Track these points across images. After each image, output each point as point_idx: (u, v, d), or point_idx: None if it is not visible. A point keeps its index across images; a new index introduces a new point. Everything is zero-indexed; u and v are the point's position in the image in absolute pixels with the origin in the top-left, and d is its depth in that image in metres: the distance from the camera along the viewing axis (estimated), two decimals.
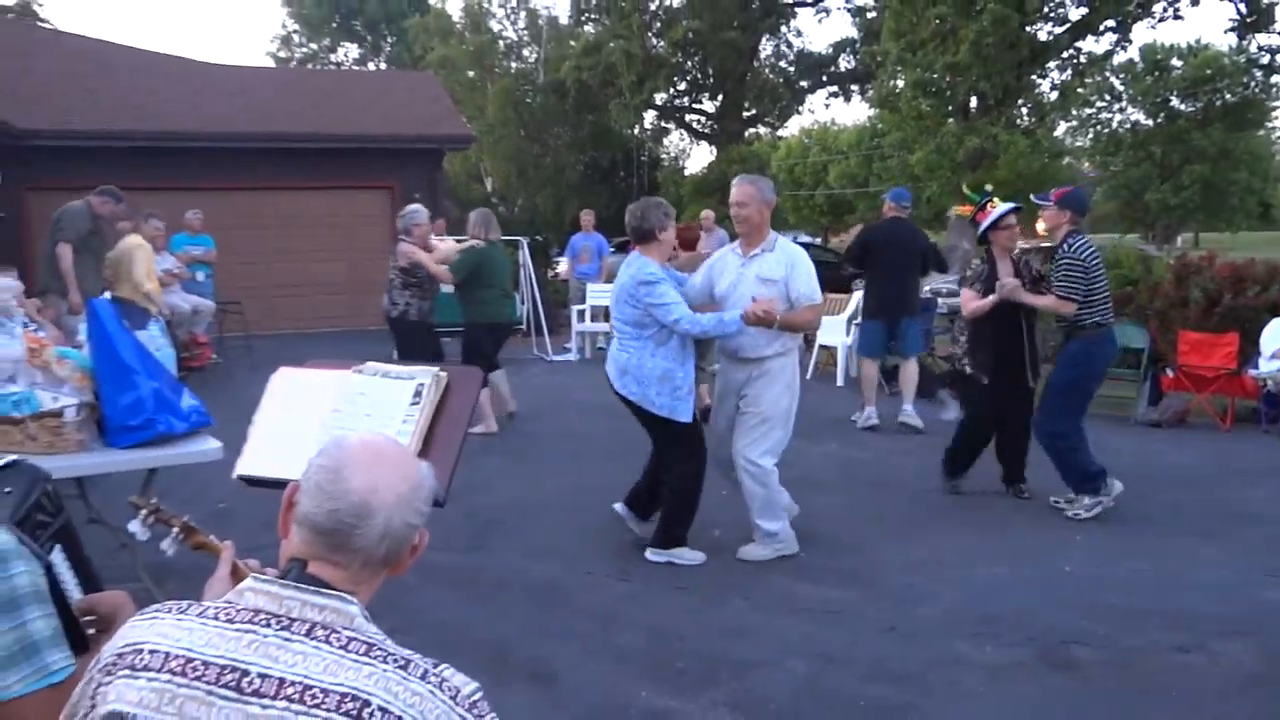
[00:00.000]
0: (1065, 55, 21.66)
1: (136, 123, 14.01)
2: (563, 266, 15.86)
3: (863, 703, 3.52)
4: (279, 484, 1.44)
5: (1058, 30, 20.97)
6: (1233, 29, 22.10)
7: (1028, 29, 19.84)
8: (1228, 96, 36.01)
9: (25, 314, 4.99)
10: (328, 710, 1.16)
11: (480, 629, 4.18)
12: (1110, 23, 21.02)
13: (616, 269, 5.33)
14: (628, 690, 3.61)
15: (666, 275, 4.87)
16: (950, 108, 21.12)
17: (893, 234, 8.06)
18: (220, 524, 3.04)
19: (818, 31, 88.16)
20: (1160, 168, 37.86)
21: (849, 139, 44.45)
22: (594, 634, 4.13)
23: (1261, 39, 23.04)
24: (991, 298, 5.73)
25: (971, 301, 5.88)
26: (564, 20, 33.33)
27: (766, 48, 32.76)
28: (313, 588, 1.27)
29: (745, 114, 33.00)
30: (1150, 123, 38.83)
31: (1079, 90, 25.56)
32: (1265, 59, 25.34)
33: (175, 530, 1.96)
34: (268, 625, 1.24)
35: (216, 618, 1.26)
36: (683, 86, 32.26)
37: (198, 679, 1.20)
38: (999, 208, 5.92)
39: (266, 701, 1.18)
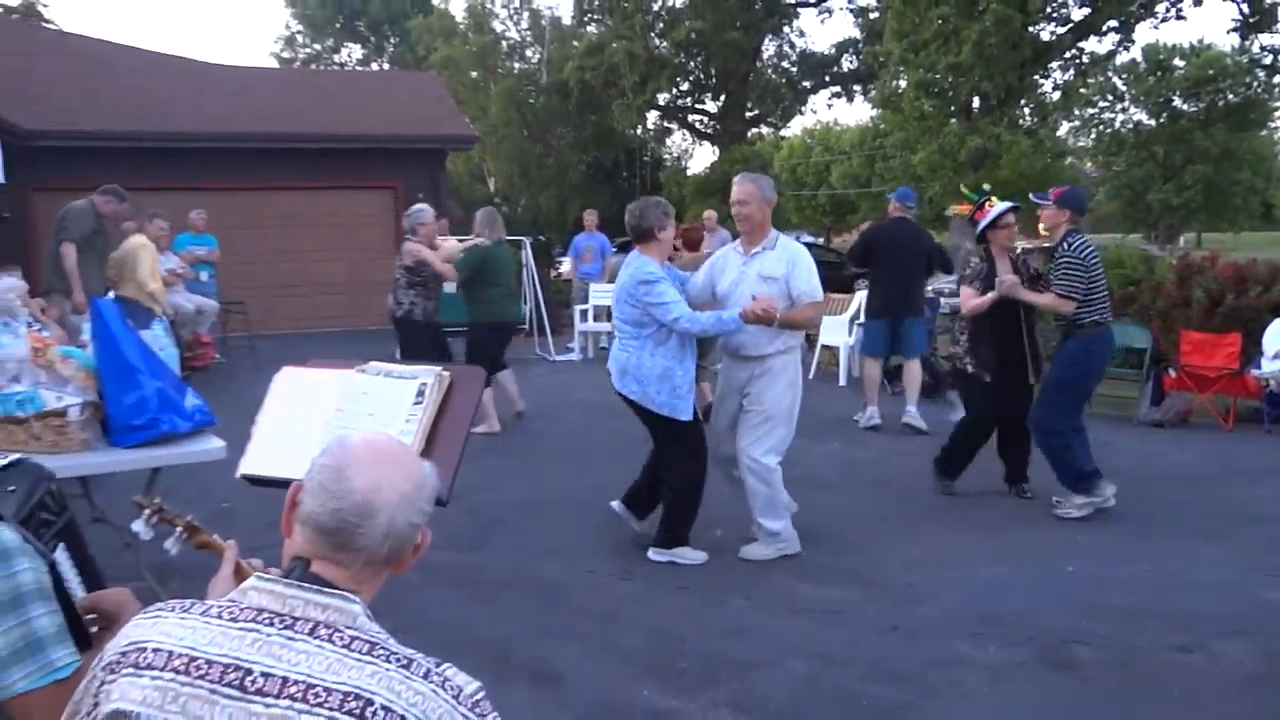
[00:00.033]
0: (1068, 55, 21.67)
1: (141, 123, 14.03)
2: (565, 266, 15.88)
3: (864, 702, 3.53)
4: (282, 483, 1.45)
5: (1060, 30, 20.97)
6: (1235, 29, 22.11)
7: (1030, 29, 19.84)
8: (1230, 97, 35.99)
9: (29, 314, 5.00)
10: (331, 709, 1.17)
11: (482, 628, 4.18)
12: (1113, 23, 21.02)
13: (619, 269, 5.35)
14: (629, 690, 3.61)
15: (667, 274, 4.88)
16: (953, 108, 21.13)
17: (897, 234, 8.06)
18: (223, 523, 3.05)
19: (820, 32, 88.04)
20: (1163, 168, 37.84)
21: (851, 139, 44.41)
22: (596, 633, 4.14)
23: (1264, 39, 23.05)
24: (990, 295, 5.73)
25: (971, 299, 5.89)
26: (567, 21, 33.37)
27: (769, 48, 32.79)
28: (316, 587, 1.28)
29: (748, 114, 33.01)
30: (1153, 123, 38.82)
31: (1081, 90, 25.56)
32: (1268, 59, 25.33)
33: (179, 529, 1.96)
34: (271, 624, 1.24)
35: (220, 616, 1.26)
36: (685, 87, 32.28)
37: (201, 678, 1.20)
38: (997, 207, 5.93)
39: (270, 700, 1.18)
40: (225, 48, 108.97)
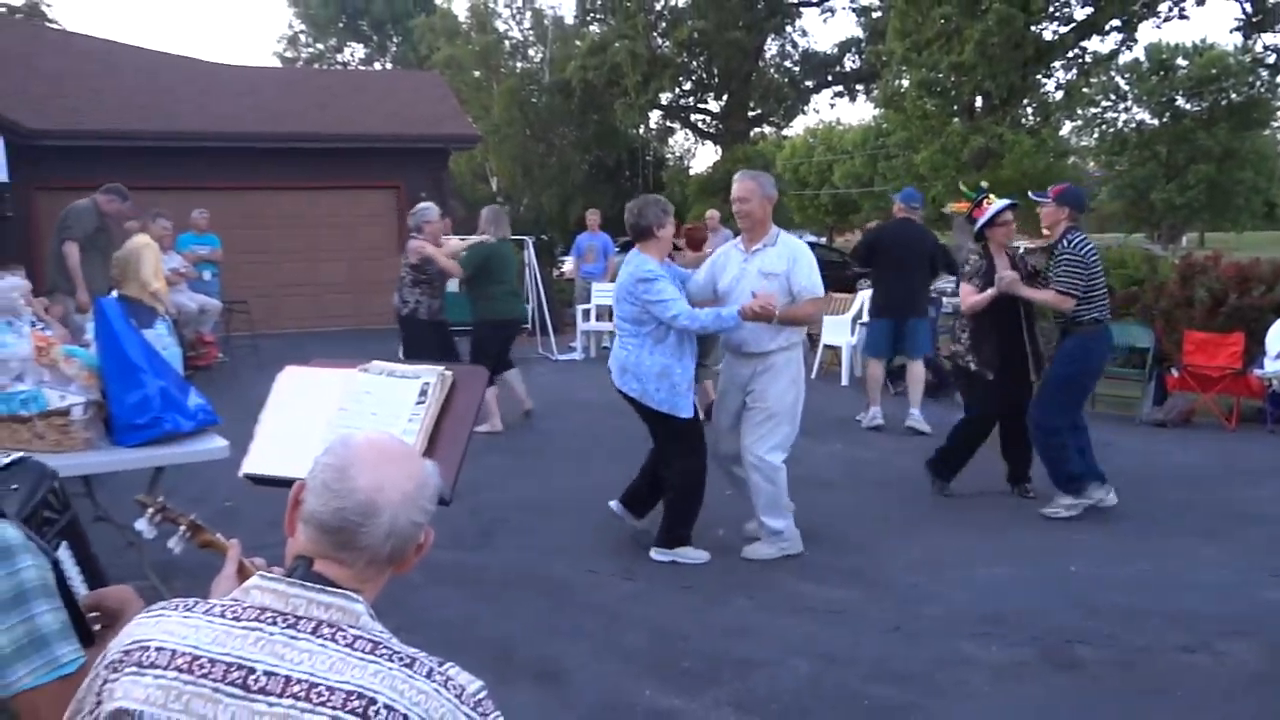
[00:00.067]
0: (1070, 55, 21.67)
1: (144, 122, 14.05)
2: (568, 266, 15.88)
3: (866, 702, 3.52)
4: (285, 482, 1.45)
5: (1063, 30, 20.97)
6: (1238, 28, 22.12)
7: (1033, 29, 19.84)
8: (1233, 96, 35.99)
9: (33, 313, 5.00)
10: (333, 708, 1.17)
11: (485, 627, 4.19)
12: (1115, 22, 21.02)
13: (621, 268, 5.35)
14: (632, 689, 3.61)
15: (666, 272, 4.89)
16: (955, 107, 21.12)
17: (901, 234, 8.05)
18: (226, 522, 3.06)
19: (823, 31, 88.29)
20: (1165, 167, 37.83)
21: (854, 139, 44.41)
22: (598, 633, 4.14)
23: (1267, 38, 23.07)
24: (990, 291, 5.73)
25: (970, 296, 5.88)
26: (569, 20, 33.38)
27: (771, 47, 32.79)
28: (319, 586, 1.28)
29: (750, 114, 33.00)
30: (1155, 122, 38.81)
31: (1084, 90, 25.55)
32: (1271, 58, 25.33)
33: (182, 528, 1.97)
34: (274, 623, 1.24)
35: (223, 615, 1.26)
36: (688, 86, 32.28)
37: (204, 676, 1.20)
38: (995, 204, 5.92)
39: (273, 699, 1.18)
40: (228, 47, 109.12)
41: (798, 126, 44.44)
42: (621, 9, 29.21)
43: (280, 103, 15.91)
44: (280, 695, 1.18)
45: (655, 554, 4.95)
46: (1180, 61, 38.12)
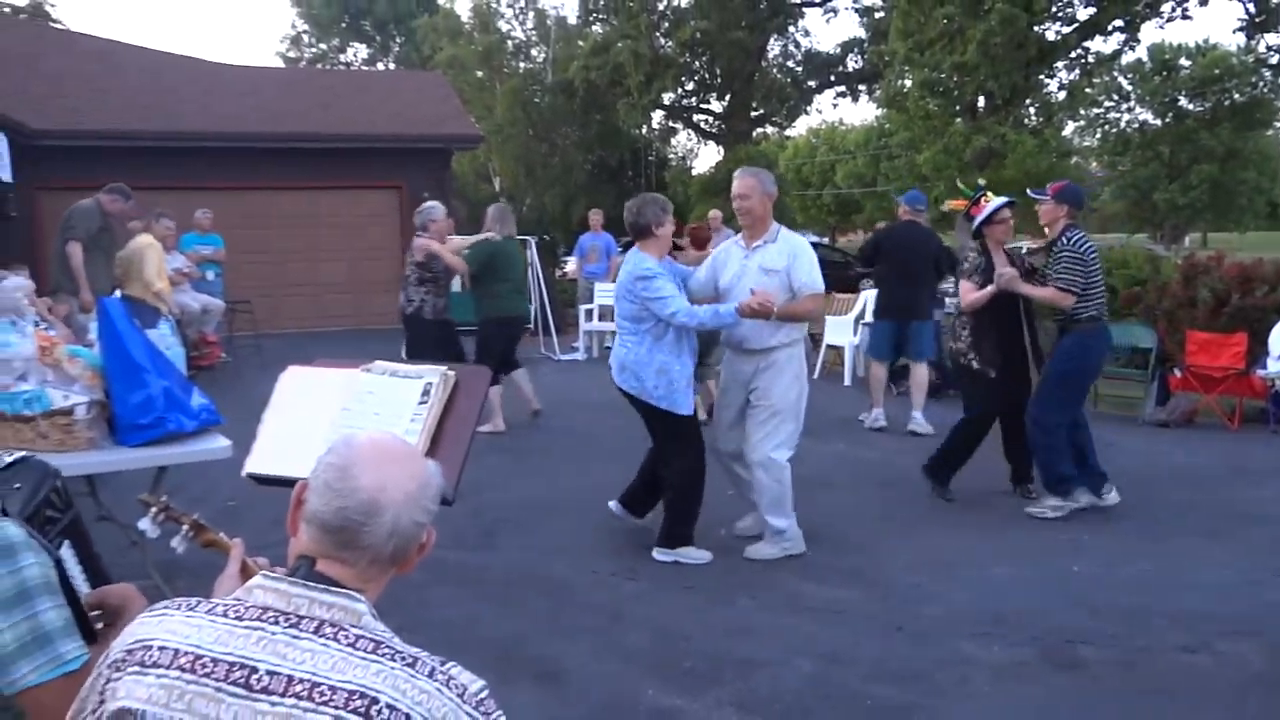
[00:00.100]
0: (1073, 55, 21.65)
1: (147, 122, 14.07)
2: (571, 266, 15.88)
3: (869, 702, 3.53)
4: (288, 482, 1.45)
5: (1066, 30, 20.95)
6: (1241, 29, 22.09)
7: (1035, 29, 19.82)
8: (1236, 96, 35.96)
9: (36, 312, 5.01)
10: (336, 707, 1.17)
11: (487, 627, 4.19)
12: (1118, 22, 21.00)
13: None
14: (634, 689, 3.62)
15: (668, 270, 4.91)
16: (958, 107, 21.11)
17: (906, 237, 8.05)
18: (229, 522, 3.07)
19: (825, 31, 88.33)
20: (1168, 167, 37.80)
21: (856, 139, 44.43)
22: (600, 632, 4.14)
23: (1270, 39, 23.04)
24: (990, 288, 5.72)
25: (970, 293, 5.87)
26: (572, 20, 33.41)
27: (774, 47, 32.78)
28: (321, 585, 1.28)
29: (753, 114, 32.99)
30: (1158, 122, 38.78)
31: (1087, 90, 25.55)
32: (1274, 59, 25.33)
33: (185, 528, 1.97)
34: (276, 623, 1.25)
35: (225, 615, 1.27)
36: (690, 86, 32.28)
37: (207, 676, 1.21)
38: (993, 202, 5.93)
39: (275, 698, 1.19)
40: (231, 47, 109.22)
41: (800, 127, 44.49)
42: (624, 9, 29.22)
43: (283, 103, 15.93)
44: (283, 695, 1.19)
45: (657, 554, 4.95)
46: (1183, 62, 38.10)
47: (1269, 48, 24.49)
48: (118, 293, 7.95)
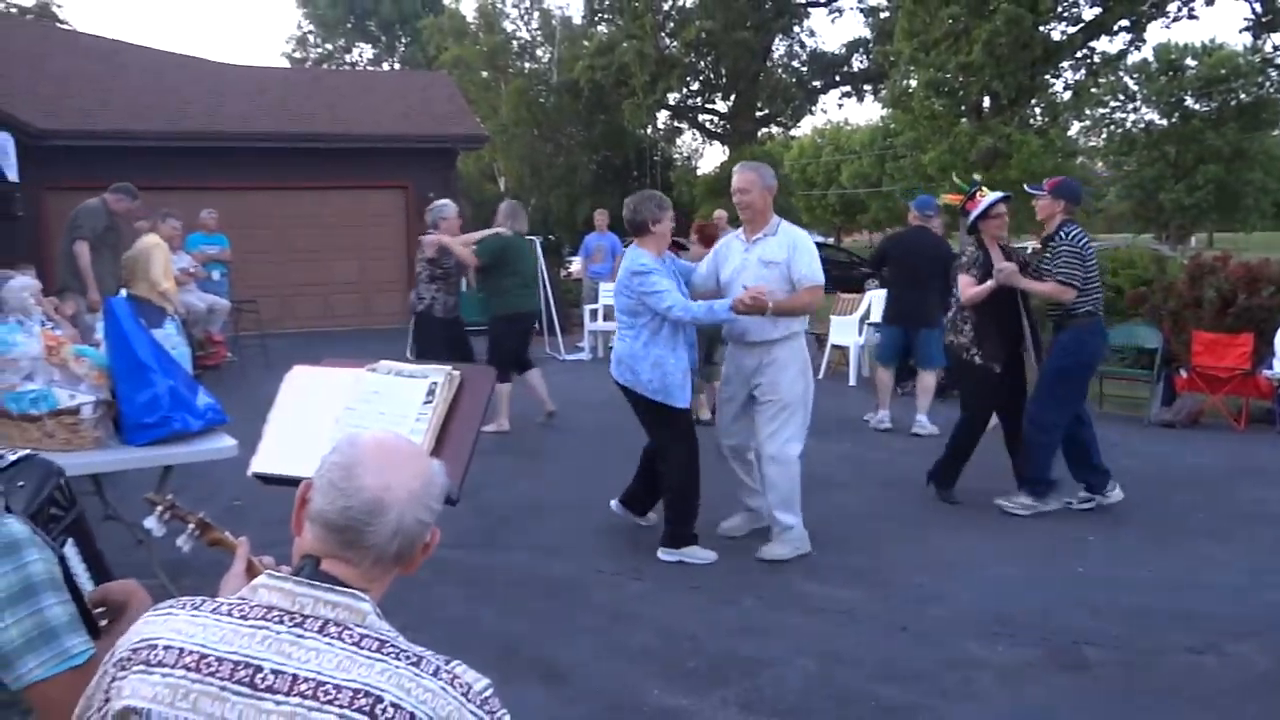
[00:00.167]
0: (1079, 55, 21.58)
1: (153, 123, 14.10)
2: (575, 266, 15.89)
3: (873, 702, 3.52)
4: (293, 481, 1.45)
5: (1071, 30, 20.89)
6: (1248, 28, 22.01)
7: (1041, 28, 19.76)
8: (1242, 96, 35.83)
9: (43, 312, 5.02)
10: (340, 706, 1.17)
11: (492, 626, 4.19)
12: (1124, 22, 20.94)
13: None
14: (639, 688, 3.62)
15: (668, 266, 4.95)
16: (963, 107, 21.06)
17: (914, 243, 8.02)
18: (235, 521, 3.07)
19: (830, 31, 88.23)
20: (1174, 168, 37.69)
21: (861, 139, 44.37)
22: (605, 632, 4.15)
23: (1277, 38, 22.94)
24: (989, 283, 5.71)
25: (970, 287, 5.86)
26: (577, 20, 33.40)
27: (779, 48, 32.74)
28: (326, 585, 1.28)
29: (758, 114, 32.95)
30: (1164, 122, 38.66)
31: (1092, 90, 25.47)
32: None
33: (191, 527, 1.98)
34: (281, 622, 1.25)
35: (230, 614, 1.27)
36: (695, 86, 32.24)
37: (211, 675, 1.21)
38: (988, 197, 5.92)
39: (280, 698, 1.19)
40: (237, 48, 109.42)
41: (805, 127, 44.50)
42: (629, 9, 29.20)
43: (289, 103, 15.96)
44: (287, 694, 1.19)
45: (662, 554, 4.96)
46: (1189, 62, 37.97)
47: (1275, 47, 24.45)
48: (123, 292, 7.97)
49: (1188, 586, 4.65)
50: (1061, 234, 5.58)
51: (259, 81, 16.73)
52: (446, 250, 7.45)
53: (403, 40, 43.96)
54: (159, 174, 12.80)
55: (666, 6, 30.21)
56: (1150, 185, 38.40)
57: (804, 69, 33.30)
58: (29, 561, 1.50)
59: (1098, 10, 20.50)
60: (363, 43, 45.95)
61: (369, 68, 43.27)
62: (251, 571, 1.66)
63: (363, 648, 1.23)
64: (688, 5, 30.01)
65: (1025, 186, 6.23)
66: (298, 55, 45.73)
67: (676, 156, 36.67)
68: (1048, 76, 21.49)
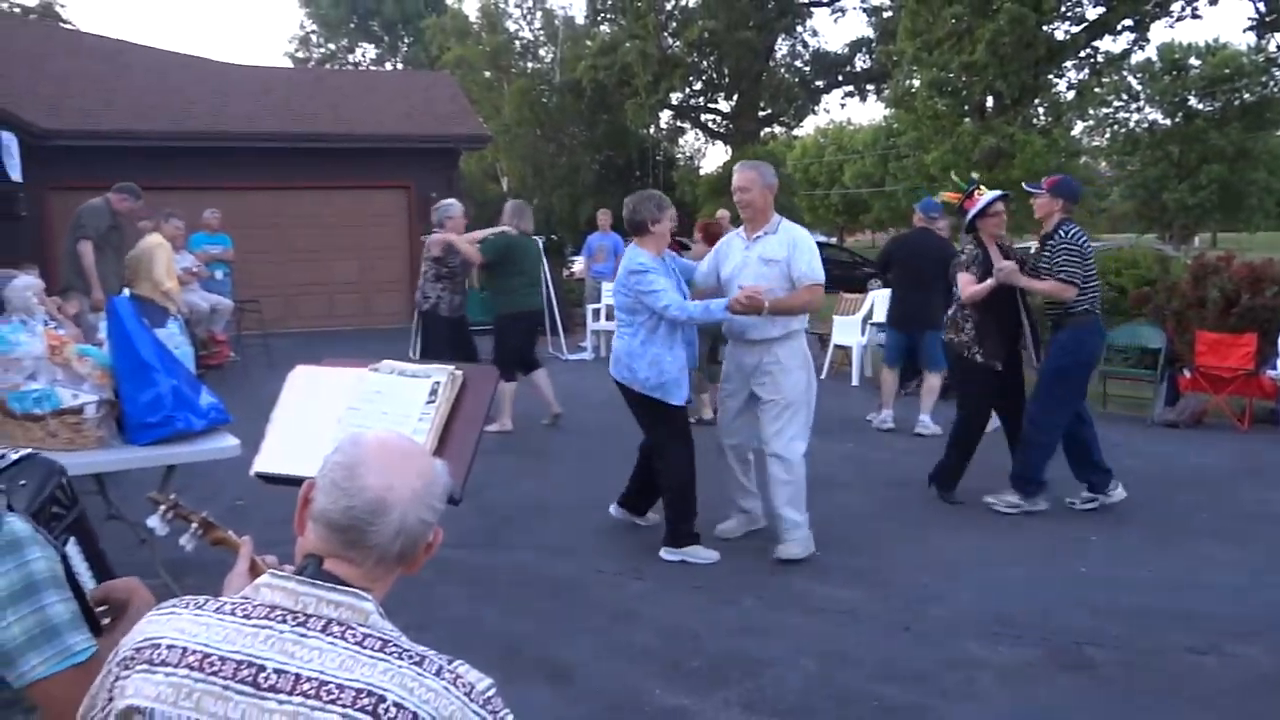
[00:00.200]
0: (1082, 54, 21.58)
1: (156, 123, 14.11)
2: (578, 265, 15.90)
3: (875, 702, 3.52)
4: (296, 481, 1.46)
5: (1075, 29, 20.88)
6: (1251, 28, 22.00)
7: (1044, 28, 19.76)
8: (1246, 96, 35.79)
9: (46, 311, 5.03)
10: (343, 706, 1.17)
11: (493, 626, 4.20)
12: (1128, 22, 20.94)
13: None
14: (641, 688, 3.62)
15: (668, 264, 4.96)
16: (966, 107, 21.06)
17: (917, 245, 8.01)
18: (238, 520, 3.07)
19: (833, 31, 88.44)
20: (1178, 167, 37.65)
21: (864, 139, 44.37)
22: (607, 632, 4.15)
23: None
24: (989, 281, 5.71)
25: (970, 285, 5.85)
26: (580, 20, 33.39)
27: (782, 47, 32.72)
28: (328, 584, 1.29)
29: (761, 114, 32.93)
30: (1168, 122, 38.62)
31: (1096, 90, 25.46)
32: None
33: (194, 526, 1.98)
34: (284, 621, 1.25)
35: (234, 613, 1.27)
36: (698, 86, 32.24)
37: (215, 674, 1.21)
38: (986, 195, 5.92)
39: (283, 697, 1.19)
40: (240, 47, 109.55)
41: (808, 126, 44.48)
42: (632, 9, 29.20)
43: (292, 103, 15.97)
44: (290, 693, 1.19)
45: (665, 553, 4.96)
46: (1193, 61, 37.94)
47: (1279, 46, 24.38)
48: (126, 292, 7.97)
49: (1190, 587, 4.65)
50: (1061, 233, 5.59)
51: (262, 81, 16.74)
52: (452, 249, 7.45)
53: (405, 40, 43.97)
54: (162, 174, 12.81)
55: (669, 6, 30.21)
56: (1154, 185, 38.37)
57: (807, 69, 33.29)
58: (31, 559, 1.50)
59: (1101, 10, 20.49)
60: (365, 43, 45.97)
61: (372, 68, 43.29)
62: (254, 571, 1.66)
63: (365, 647, 1.23)
64: (690, 5, 30.00)
65: (1024, 185, 6.23)
66: (300, 55, 45.76)
67: (679, 156, 36.64)
68: (1051, 76, 21.49)
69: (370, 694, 1.18)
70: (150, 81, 15.28)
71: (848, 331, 10.56)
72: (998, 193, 5.99)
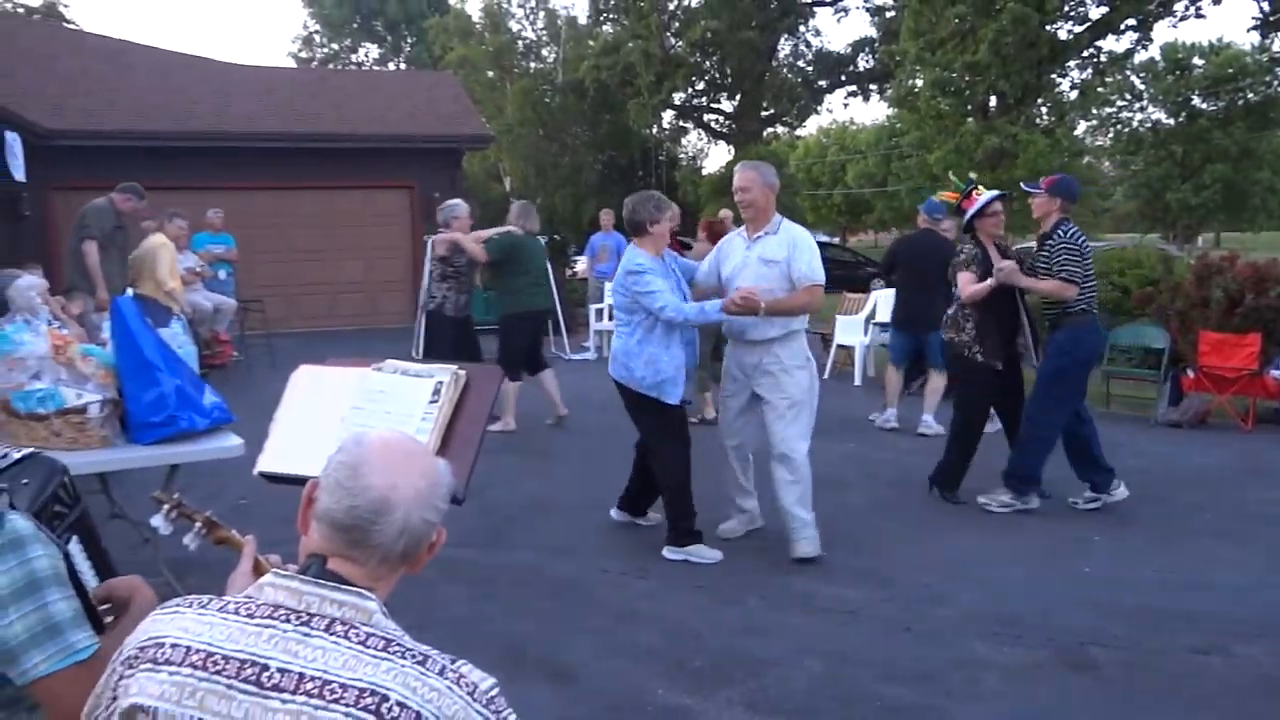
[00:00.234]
0: (1085, 54, 21.58)
1: (159, 122, 14.12)
2: (581, 265, 15.90)
3: (879, 702, 3.52)
4: (299, 480, 1.46)
5: (1078, 29, 20.88)
6: (1255, 27, 21.99)
7: (1047, 28, 19.76)
8: (1250, 95, 35.77)
9: (50, 311, 5.04)
10: (347, 705, 1.17)
11: (496, 625, 4.20)
12: (1131, 21, 20.93)
13: None
14: (643, 688, 3.62)
15: (669, 264, 4.97)
16: (969, 107, 21.06)
17: (922, 246, 8.01)
18: (241, 519, 3.07)
19: (836, 31, 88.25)
20: (1181, 167, 37.63)
21: (867, 138, 44.36)
22: (610, 631, 4.15)
23: None
24: (990, 281, 5.71)
25: (970, 284, 5.84)
26: (582, 20, 33.44)
27: (785, 47, 32.75)
28: (332, 584, 1.29)
29: (763, 113, 32.97)
30: (1171, 122, 38.61)
31: (1099, 89, 25.45)
32: None
33: (198, 525, 1.98)
34: (287, 620, 1.25)
35: (237, 613, 1.27)
36: (701, 86, 32.26)
37: (218, 673, 1.21)
38: (984, 195, 5.92)
39: (286, 696, 1.19)
40: (243, 47, 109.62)
41: (811, 126, 44.44)
42: (634, 9, 29.22)
43: (295, 103, 15.98)
44: (294, 692, 1.19)
45: (668, 552, 4.96)
46: (1196, 61, 37.93)
47: None
48: (130, 291, 7.99)
49: (1193, 587, 4.65)
50: (1060, 232, 5.58)
51: (265, 81, 16.76)
52: (458, 248, 7.47)
53: (408, 40, 44.02)
54: (165, 174, 12.83)
55: (672, 6, 30.22)
56: (1157, 185, 38.36)
57: (809, 68, 33.31)
58: (33, 557, 1.50)
59: (1105, 9, 20.47)
60: (368, 43, 46.04)
61: (375, 68, 43.33)
62: (258, 570, 1.67)
63: (369, 646, 1.23)
64: (693, 5, 30.02)
65: (1022, 184, 6.22)
66: (303, 55, 45.84)
67: (682, 156, 36.68)
68: (1054, 76, 21.49)
69: (374, 693, 1.18)
70: (154, 81, 15.29)
71: (850, 331, 10.56)
72: (995, 192, 5.99)
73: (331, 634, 1.24)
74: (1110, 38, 21.56)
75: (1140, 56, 28.98)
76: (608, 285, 12.48)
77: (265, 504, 4.91)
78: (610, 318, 12.25)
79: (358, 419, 2.47)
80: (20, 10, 29.73)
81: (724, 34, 28.55)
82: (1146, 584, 4.67)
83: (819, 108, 35.79)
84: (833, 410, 7.32)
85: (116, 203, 8.34)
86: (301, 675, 1.20)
